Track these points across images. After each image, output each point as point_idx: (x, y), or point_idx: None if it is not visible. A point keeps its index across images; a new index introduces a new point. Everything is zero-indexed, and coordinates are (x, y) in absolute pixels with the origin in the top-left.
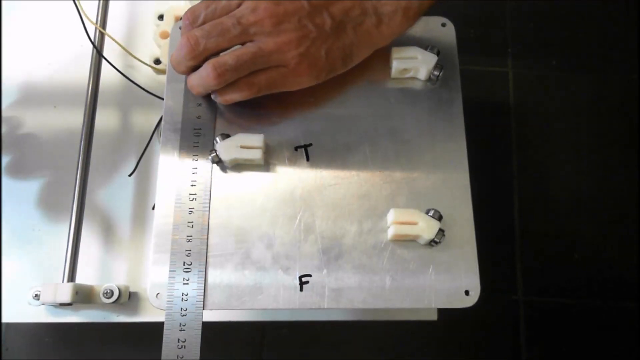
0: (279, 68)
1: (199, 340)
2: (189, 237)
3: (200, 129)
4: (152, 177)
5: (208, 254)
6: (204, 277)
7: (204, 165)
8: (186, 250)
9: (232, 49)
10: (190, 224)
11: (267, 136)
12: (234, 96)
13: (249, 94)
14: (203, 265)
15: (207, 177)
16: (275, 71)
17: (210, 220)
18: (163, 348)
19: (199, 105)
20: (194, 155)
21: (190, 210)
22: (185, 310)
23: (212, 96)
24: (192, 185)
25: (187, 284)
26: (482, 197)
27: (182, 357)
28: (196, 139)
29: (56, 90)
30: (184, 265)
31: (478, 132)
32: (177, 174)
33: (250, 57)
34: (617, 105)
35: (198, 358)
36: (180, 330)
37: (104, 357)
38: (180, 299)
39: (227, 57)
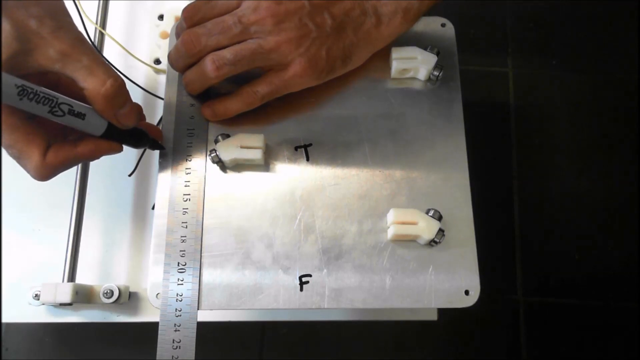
0: (278, 72)
1: (194, 340)
2: (183, 238)
3: (193, 129)
4: (152, 177)
5: (208, 254)
6: (198, 278)
7: (197, 165)
8: (180, 251)
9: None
10: (184, 225)
11: (267, 136)
12: (236, 105)
13: (251, 103)
14: (197, 266)
15: (200, 178)
16: (274, 76)
17: (210, 220)
18: (158, 348)
19: (192, 105)
20: (187, 155)
21: (185, 210)
22: (180, 311)
23: (207, 113)
24: (185, 186)
25: (182, 284)
26: (482, 197)
27: (177, 357)
28: (189, 139)
29: None
30: (178, 265)
31: (478, 132)
32: (170, 174)
33: (249, 53)
34: (617, 105)
35: (193, 358)
36: (175, 330)
37: (104, 357)
38: (175, 299)
39: (226, 52)
